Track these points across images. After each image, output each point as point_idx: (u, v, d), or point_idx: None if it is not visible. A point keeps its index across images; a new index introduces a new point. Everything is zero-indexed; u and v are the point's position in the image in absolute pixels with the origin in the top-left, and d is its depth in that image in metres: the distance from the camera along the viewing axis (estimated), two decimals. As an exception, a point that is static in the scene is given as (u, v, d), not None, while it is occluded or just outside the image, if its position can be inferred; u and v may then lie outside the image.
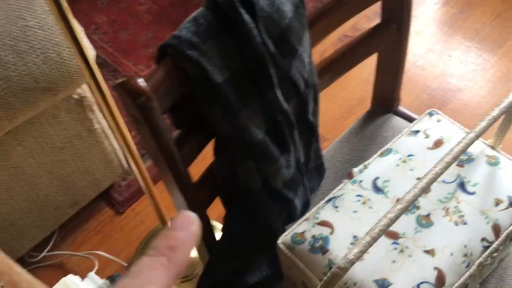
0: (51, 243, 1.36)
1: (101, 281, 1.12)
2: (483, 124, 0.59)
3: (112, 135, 1.29)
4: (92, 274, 1.12)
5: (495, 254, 0.66)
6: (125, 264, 1.33)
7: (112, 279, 1.10)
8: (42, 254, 1.34)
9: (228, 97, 0.60)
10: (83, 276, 1.11)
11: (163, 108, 0.58)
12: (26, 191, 1.17)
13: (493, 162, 0.70)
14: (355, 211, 0.68)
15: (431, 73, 1.60)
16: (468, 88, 1.56)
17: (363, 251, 0.54)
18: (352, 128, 0.98)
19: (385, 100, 0.98)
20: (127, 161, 1.38)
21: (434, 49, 1.66)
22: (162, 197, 1.19)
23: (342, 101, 1.58)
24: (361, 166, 0.74)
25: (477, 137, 0.59)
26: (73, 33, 0.68)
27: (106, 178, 1.34)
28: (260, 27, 0.61)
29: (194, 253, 1.33)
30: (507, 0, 1.75)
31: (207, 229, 0.75)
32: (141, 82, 0.53)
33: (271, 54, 0.62)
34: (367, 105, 1.02)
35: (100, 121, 1.22)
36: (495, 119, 0.61)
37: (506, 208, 0.66)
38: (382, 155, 0.75)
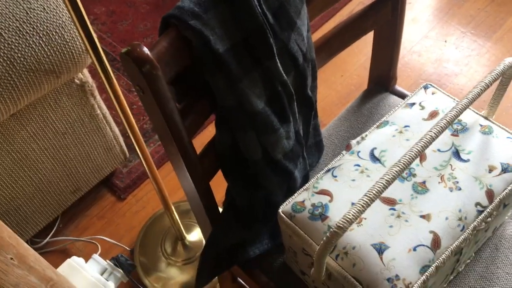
0: (54, 229, 1.38)
1: (104, 262, 1.14)
2: (476, 90, 0.61)
3: (114, 122, 1.31)
4: (96, 255, 1.14)
5: (489, 219, 0.68)
6: (128, 249, 1.35)
7: (116, 259, 1.12)
8: (46, 240, 1.36)
9: (229, 66, 0.62)
10: (86, 260, 1.13)
11: (167, 78, 0.60)
12: (29, 176, 1.19)
13: (486, 131, 0.72)
14: (353, 180, 0.70)
15: (427, 59, 1.63)
16: (464, 73, 1.58)
17: (361, 211, 0.56)
18: (350, 107, 1.00)
19: (382, 79, 1.00)
20: (128, 149, 1.40)
21: (429, 35, 1.69)
22: (164, 182, 1.21)
23: (340, 87, 1.60)
24: (358, 138, 0.76)
25: (470, 103, 0.61)
26: (79, 12, 0.70)
27: (108, 165, 1.36)
28: (260, -1, 0.63)
29: (196, 236, 1.35)
30: (501, -14, 1.78)
31: (210, 202, 0.77)
32: (145, 50, 0.55)
33: (270, 25, 0.64)
34: (364, 90, 1.04)
35: (101, 106, 1.24)
36: (487, 86, 0.63)
37: (499, 174, 0.68)
38: (379, 127, 0.77)
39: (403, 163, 0.58)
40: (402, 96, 1.01)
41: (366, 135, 0.76)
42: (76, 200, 1.37)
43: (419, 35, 1.69)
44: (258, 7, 0.62)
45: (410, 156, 0.58)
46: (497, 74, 0.63)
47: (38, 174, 1.20)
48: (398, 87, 1.03)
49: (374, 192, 0.56)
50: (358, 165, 0.72)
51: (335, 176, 0.72)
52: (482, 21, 1.70)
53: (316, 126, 0.88)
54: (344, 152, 0.76)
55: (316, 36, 0.83)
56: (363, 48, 1.64)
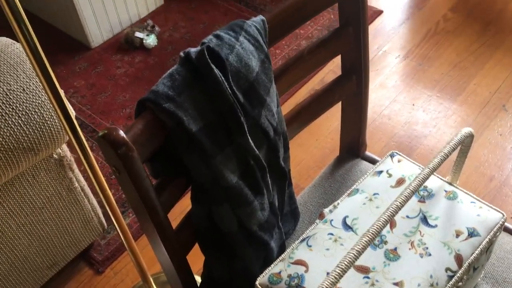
0: (29, 307, 1.33)
1: None
2: (436, 160, 0.65)
3: (91, 194, 1.32)
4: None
5: (460, 284, 0.70)
6: (106, 324, 1.31)
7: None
8: (20, 319, 1.31)
9: (203, 145, 0.65)
10: None
11: (142, 158, 0.62)
12: (5, 254, 1.17)
13: (451, 197, 0.76)
14: (327, 249, 0.72)
15: (397, 122, 1.69)
16: (433, 134, 1.65)
17: (335, 282, 0.57)
18: (323, 174, 1.03)
19: (352, 146, 1.05)
20: (106, 220, 1.39)
21: (398, 99, 1.77)
22: (142, 253, 1.21)
23: (315, 151, 1.65)
24: (331, 207, 0.78)
25: (431, 172, 0.64)
26: (55, 92, 0.73)
27: (86, 237, 1.35)
28: (230, 80, 0.67)
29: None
30: (461, 52, 1.89)
31: (187, 276, 0.78)
32: (121, 133, 0.58)
33: (241, 104, 0.68)
34: (338, 153, 1.08)
35: (80, 179, 1.25)
36: (447, 156, 0.67)
37: (466, 239, 0.71)
38: (350, 195, 0.80)
39: (372, 233, 0.60)
40: (373, 161, 1.05)
41: (338, 203, 0.79)
42: (53, 275, 1.34)
43: (388, 100, 1.77)
44: (229, 88, 0.66)
45: (379, 225, 0.60)
46: (455, 144, 0.68)
47: (14, 251, 1.18)
48: (368, 153, 1.07)
49: (347, 262, 0.58)
50: (332, 234, 0.74)
51: (310, 246, 0.73)
52: (447, 84, 1.79)
53: (291, 195, 0.91)
54: (317, 220, 0.79)
55: (287, 109, 0.88)
56: (335, 113, 1.70)
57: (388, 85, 1.82)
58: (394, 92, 1.79)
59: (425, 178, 0.64)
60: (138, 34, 2.00)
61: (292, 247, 0.75)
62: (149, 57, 1.98)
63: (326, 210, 0.78)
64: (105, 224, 1.39)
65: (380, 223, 0.60)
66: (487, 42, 1.92)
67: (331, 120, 1.70)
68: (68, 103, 0.84)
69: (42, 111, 0.98)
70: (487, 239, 0.72)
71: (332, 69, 1.86)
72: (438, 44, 1.94)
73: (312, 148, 1.65)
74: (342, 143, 1.07)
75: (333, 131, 1.68)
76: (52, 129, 1.01)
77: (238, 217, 0.73)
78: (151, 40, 2.00)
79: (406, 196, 0.63)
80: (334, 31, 0.86)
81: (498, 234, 0.74)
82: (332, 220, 0.76)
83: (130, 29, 2.03)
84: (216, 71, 0.65)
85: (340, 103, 0.97)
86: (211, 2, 2.20)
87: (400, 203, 0.62)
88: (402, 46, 1.95)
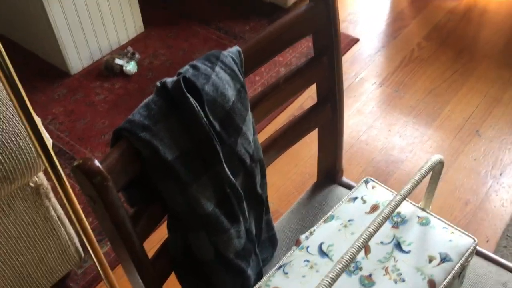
0: None
1: None
2: (407, 187, 0.67)
3: (68, 222, 1.30)
4: None
5: (434, 308, 0.71)
6: None
7: None
8: None
9: (179, 173, 0.65)
10: None
11: (118, 187, 0.62)
12: (-23, 284, 1.14)
13: (424, 222, 0.77)
14: (303, 276, 0.73)
15: (374, 147, 1.72)
16: (409, 159, 1.68)
17: (309, 310, 0.58)
18: (301, 199, 1.04)
19: (330, 172, 1.06)
20: (83, 248, 1.37)
21: (375, 125, 1.80)
22: (120, 283, 1.19)
23: (295, 176, 1.66)
24: (307, 233, 0.79)
25: (403, 199, 0.66)
26: (31, 121, 0.73)
27: (62, 267, 1.32)
28: (206, 109, 0.68)
29: None
30: (435, 79, 1.95)
31: (164, 305, 0.77)
32: (96, 163, 0.58)
33: (217, 133, 0.69)
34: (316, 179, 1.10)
35: (56, 207, 1.23)
36: (418, 182, 0.68)
37: (438, 264, 0.72)
38: (325, 221, 0.81)
39: (346, 259, 0.61)
40: (349, 187, 1.06)
41: (314, 230, 0.80)
42: (27, 307, 1.30)
43: (365, 125, 1.80)
44: (205, 117, 0.67)
45: (352, 252, 0.61)
46: (426, 171, 0.69)
47: (-13, 281, 1.16)
48: (345, 179, 1.08)
49: (320, 289, 0.59)
50: (308, 261, 0.75)
51: (286, 273, 0.74)
52: (422, 111, 1.84)
53: (268, 221, 0.91)
54: (294, 247, 0.79)
55: (266, 135, 0.89)
56: (314, 139, 1.72)
57: (365, 111, 1.85)
58: (371, 118, 1.82)
59: (397, 205, 0.66)
60: (118, 61, 2.01)
61: (268, 274, 0.75)
62: (129, 84, 1.99)
63: (302, 237, 0.79)
64: (82, 253, 1.37)
65: (354, 249, 0.61)
66: (460, 69, 1.98)
67: (310, 145, 1.72)
68: (45, 131, 0.84)
69: (18, 140, 0.98)
70: (459, 264, 0.73)
71: (311, 95, 1.89)
72: (413, 71, 1.99)
73: (291, 174, 1.67)
74: (320, 169, 1.08)
75: (312, 157, 1.70)
76: (28, 157, 1.01)
77: (215, 245, 0.73)
78: (131, 67, 2.01)
79: (379, 223, 0.64)
80: (309, 61, 0.88)
81: (470, 259, 0.76)
82: (308, 246, 0.77)
83: (110, 56, 2.04)
84: (192, 100, 0.66)
85: (317, 130, 0.99)
86: (191, 30, 2.23)
87: (373, 229, 0.63)
88: (378, 73, 2.00)
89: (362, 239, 0.62)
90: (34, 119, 0.78)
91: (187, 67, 0.70)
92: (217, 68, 0.71)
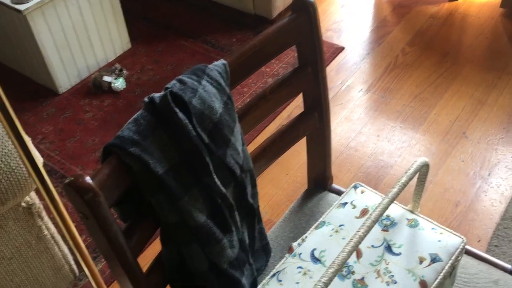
0: None
1: None
2: (395, 190, 0.68)
3: (62, 241, 1.30)
4: None
5: (427, 309, 0.72)
6: None
7: None
8: None
9: (170, 186, 0.66)
10: None
11: (110, 202, 0.63)
12: (-29, 307, 1.13)
13: (413, 224, 0.79)
14: (297, 282, 0.73)
15: (363, 153, 1.74)
16: (398, 164, 1.70)
17: (303, 315, 0.58)
18: (293, 208, 1.05)
19: (320, 179, 1.07)
20: (78, 266, 1.37)
21: (363, 131, 1.82)
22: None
23: (286, 185, 1.67)
24: (299, 240, 0.80)
25: (391, 201, 0.67)
26: (21, 141, 0.74)
27: (57, 286, 1.32)
28: (194, 122, 0.69)
29: None
30: (420, 84, 1.98)
31: (160, 319, 0.77)
32: (87, 179, 0.59)
33: (206, 145, 0.70)
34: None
35: (49, 226, 1.23)
36: (404, 185, 0.70)
37: (429, 265, 0.74)
38: (317, 227, 0.82)
39: (337, 264, 0.62)
40: (339, 193, 1.07)
41: (306, 237, 0.81)
42: (23, 328, 1.30)
43: (354, 132, 1.82)
44: (193, 130, 0.69)
45: (343, 256, 0.62)
46: (412, 173, 0.71)
47: (-19, 304, 1.15)
48: (335, 185, 1.10)
49: (313, 295, 0.60)
50: (301, 267, 0.76)
51: (280, 281, 0.75)
52: (409, 115, 1.86)
53: (261, 230, 0.92)
54: (287, 255, 0.80)
55: (255, 145, 0.90)
56: (304, 147, 1.74)
57: (353, 118, 1.87)
58: (359, 125, 1.84)
59: (385, 208, 0.67)
60: (106, 78, 2.02)
61: (262, 283, 0.76)
62: (117, 100, 2.00)
63: (294, 244, 0.80)
64: (77, 271, 1.37)
65: (345, 253, 0.62)
66: (445, 73, 2.01)
67: (301, 154, 1.73)
68: (35, 150, 0.84)
69: (9, 160, 0.98)
70: (449, 264, 0.74)
71: (299, 104, 1.91)
72: (398, 76, 2.02)
73: (283, 183, 1.68)
74: (310, 177, 1.09)
75: (303, 165, 1.71)
76: (19, 177, 1.01)
77: (208, 256, 0.73)
78: (119, 84, 2.02)
79: (368, 226, 0.65)
80: (294, 71, 0.90)
81: (459, 258, 0.77)
82: (300, 253, 0.78)
83: (98, 73, 2.05)
84: (180, 114, 0.67)
85: (305, 138, 1.01)
86: (178, 45, 2.25)
87: (362, 233, 0.64)
88: (365, 80, 2.03)
89: (352, 243, 0.63)
90: (24, 138, 0.79)
91: (174, 81, 0.72)
92: (204, 82, 0.73)
